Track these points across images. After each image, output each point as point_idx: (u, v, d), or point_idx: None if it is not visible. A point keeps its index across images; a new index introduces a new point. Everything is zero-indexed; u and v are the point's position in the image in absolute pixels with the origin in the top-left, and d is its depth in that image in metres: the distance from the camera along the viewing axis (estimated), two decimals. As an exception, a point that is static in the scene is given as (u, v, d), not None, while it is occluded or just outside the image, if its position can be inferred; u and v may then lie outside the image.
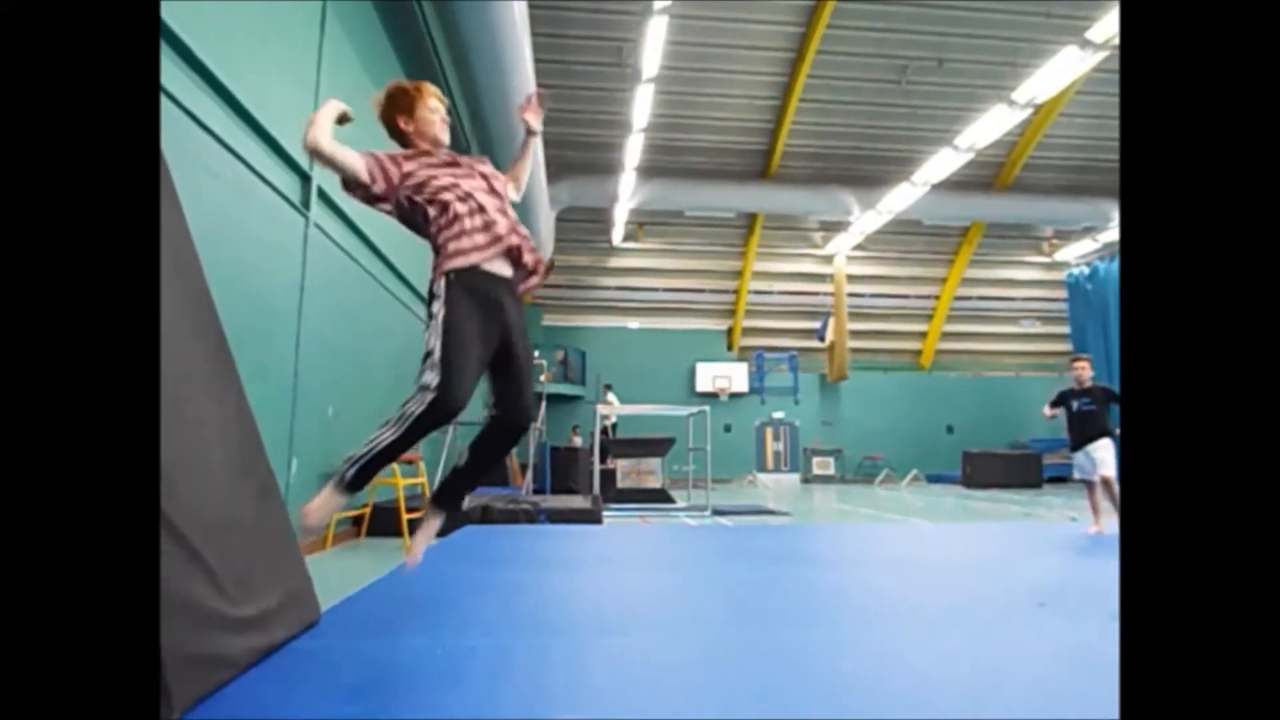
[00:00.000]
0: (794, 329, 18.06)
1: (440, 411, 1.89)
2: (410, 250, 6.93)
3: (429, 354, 1.94)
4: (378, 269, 5.92)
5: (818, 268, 17.33)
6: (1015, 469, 14.17)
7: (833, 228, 16.44)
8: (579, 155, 14.25)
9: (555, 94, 12.75)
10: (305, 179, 4.40)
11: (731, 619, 2.50)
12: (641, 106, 11.13)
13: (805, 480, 16.78)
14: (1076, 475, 5.75)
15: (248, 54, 3.65)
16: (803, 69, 12.75)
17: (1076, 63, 9.87)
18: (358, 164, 1.98)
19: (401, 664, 1.88)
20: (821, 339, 17.49)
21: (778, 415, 17.27)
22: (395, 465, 5.06)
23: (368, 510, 5.33)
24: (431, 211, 2.05)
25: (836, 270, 16.68)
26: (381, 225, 5.90)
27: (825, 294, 17.27)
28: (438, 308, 1.97)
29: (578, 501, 6.62)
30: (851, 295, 16.95)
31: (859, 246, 16.73)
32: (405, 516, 4.91)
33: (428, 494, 5.65)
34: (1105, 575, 3.49)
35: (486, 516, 5.82)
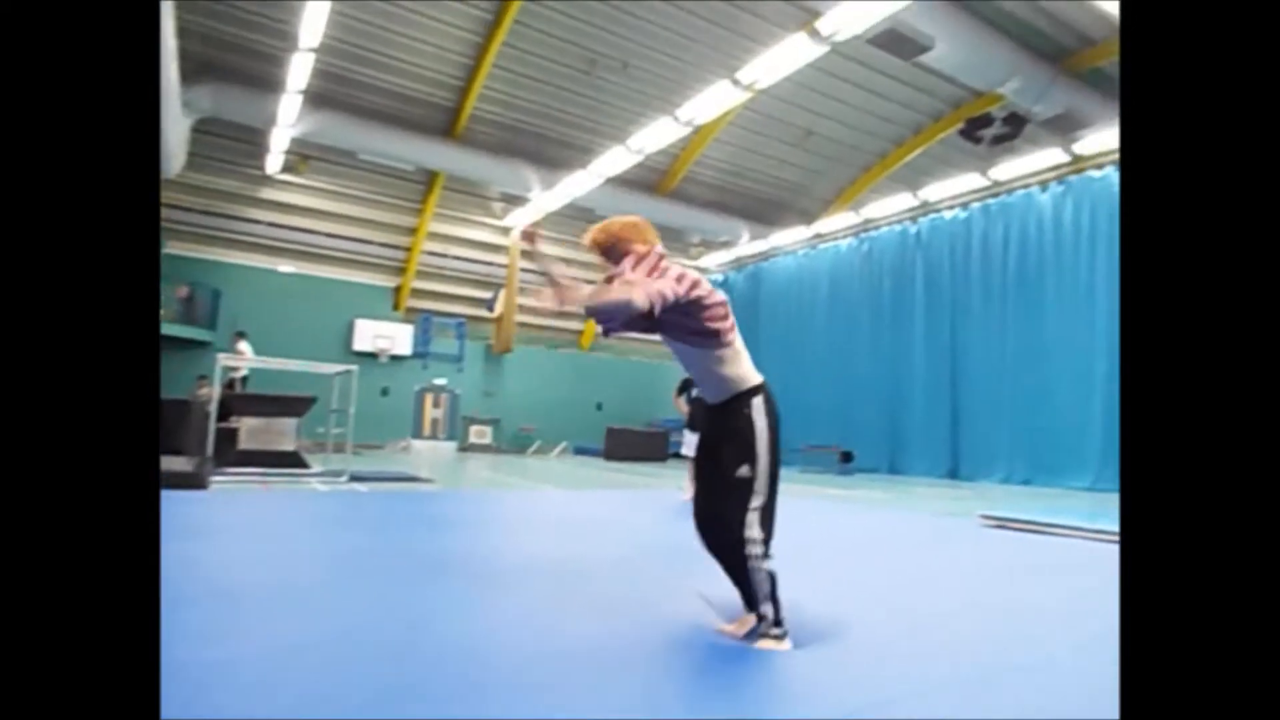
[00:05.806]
0: (465, 296, 17.84)
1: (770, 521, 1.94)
2: None
3: (754, 460, 1.96)
4: None
5: (495, 238, 17.36)
6: (648, 444, 16.02)
7: (514, 201, 16.61)
8: (230, 59, 12.10)
9: (203, -22, 10.61)
10: None
11: (323, 584, 2.34)
12: (314, 21, 9.82)
13: (462, 449, 16.78)
14: (684, 451, 6.73)
15: None
16: (499, 34, 12.57)
17: (728, 96, 11.43)
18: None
19: None
20: (491, 310, 17.61)
21: (439, 382, 16.96)
22: None
23: None
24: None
25: (512, 244, 16.93)
26: None
27: (500, 265, 17.40)
28: (760, 420, 2.02)
29: (179, 464, 5.65)
30: (524, 270, 17.35)
31: (538, 224, 17.20)
32: None
33: None
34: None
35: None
